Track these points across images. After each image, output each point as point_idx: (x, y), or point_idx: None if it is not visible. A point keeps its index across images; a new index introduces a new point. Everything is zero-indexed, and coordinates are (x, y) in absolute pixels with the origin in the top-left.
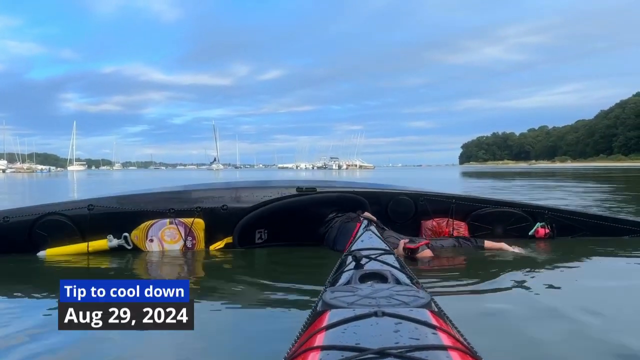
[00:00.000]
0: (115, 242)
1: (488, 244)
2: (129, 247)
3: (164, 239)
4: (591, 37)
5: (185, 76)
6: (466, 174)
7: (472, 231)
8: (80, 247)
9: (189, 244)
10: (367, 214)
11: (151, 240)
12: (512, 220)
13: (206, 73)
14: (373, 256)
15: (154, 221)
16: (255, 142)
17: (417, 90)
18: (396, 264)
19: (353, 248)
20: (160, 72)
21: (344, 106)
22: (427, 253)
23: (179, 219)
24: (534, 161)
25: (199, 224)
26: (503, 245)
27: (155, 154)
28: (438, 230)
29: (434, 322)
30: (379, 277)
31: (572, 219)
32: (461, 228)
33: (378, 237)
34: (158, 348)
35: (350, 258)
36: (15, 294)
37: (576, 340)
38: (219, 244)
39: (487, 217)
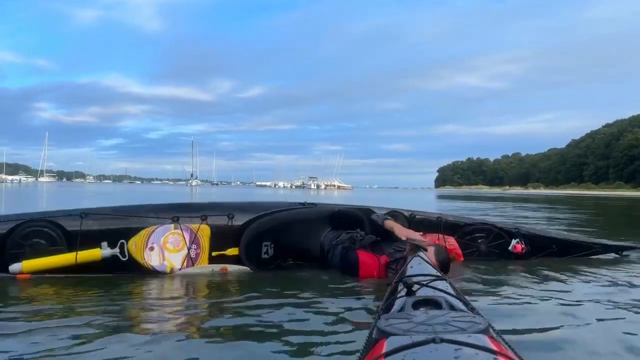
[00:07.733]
0: (109, 251)
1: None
2: (123, 259)
3: (166, 246)
4: (560, 70)
5: (165, 89)
6: (442, 197)
7: (461, 248)
8: (67, 257)
9: (192, 253)
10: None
11: (151, 249)
12: (491, 238)
13: (187, 87)
14: (424, 282)
15: (157, 226)
16: (233, 159)
17: (393, 114)
18: (449, 290)
19: (404, 274)
20: (138, 84)
21: (321, 127)
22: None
23: (185, 223)
24: (507, 187)
25: (204, 230)
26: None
27: (130, 167)
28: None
29: (493, 347)
30: (433, 303)
31: (540, 238)
32: (451, 240)
33: (428, 263)
34: None
35: (401, 285)
36: None
37: None
38: (228, 252)
39: (470, 234)
